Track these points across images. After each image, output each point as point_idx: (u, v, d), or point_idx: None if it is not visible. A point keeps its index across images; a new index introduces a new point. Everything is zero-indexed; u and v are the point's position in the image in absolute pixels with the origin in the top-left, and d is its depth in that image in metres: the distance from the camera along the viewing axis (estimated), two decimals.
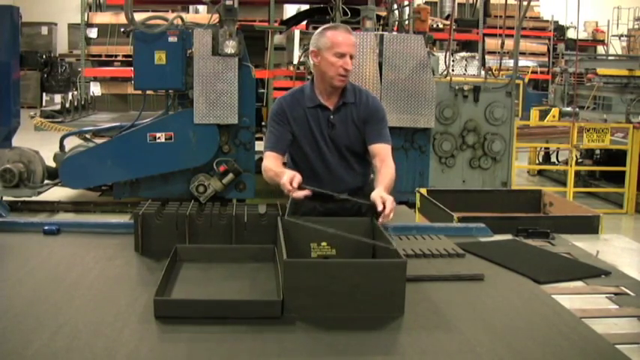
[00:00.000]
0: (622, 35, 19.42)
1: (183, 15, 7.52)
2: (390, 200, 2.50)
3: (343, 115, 2.98)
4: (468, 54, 13.10)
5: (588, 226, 3.24)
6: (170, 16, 6.69)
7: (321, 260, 2.35)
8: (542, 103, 13.58)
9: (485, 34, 13.67)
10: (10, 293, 2.14)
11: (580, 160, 9.03)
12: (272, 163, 2.90)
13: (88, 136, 7.20)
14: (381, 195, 2.54)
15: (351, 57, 2.88)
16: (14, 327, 1.86)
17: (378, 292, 1.99)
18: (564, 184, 8.58)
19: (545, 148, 10.12)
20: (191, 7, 15.41)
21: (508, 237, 2.94)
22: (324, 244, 2.48)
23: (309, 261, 2.29)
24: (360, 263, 2.12)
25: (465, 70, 11.67)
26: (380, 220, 2.48)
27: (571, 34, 19.46)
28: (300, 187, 2.58)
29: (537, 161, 10.34)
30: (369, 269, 2.02)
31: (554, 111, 11.18)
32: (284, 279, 1.99)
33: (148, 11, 10.56)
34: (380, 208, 2.48)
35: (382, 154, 2.92)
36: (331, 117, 2.97)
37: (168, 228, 2.54)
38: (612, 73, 11.65)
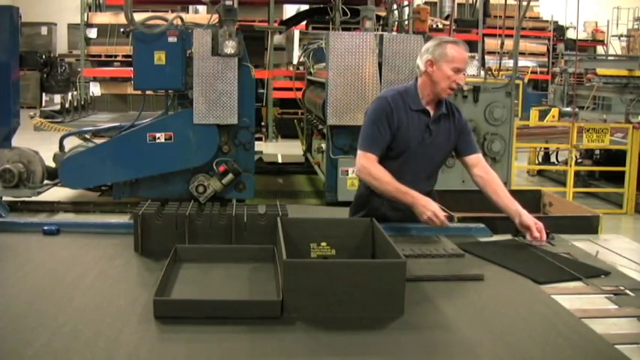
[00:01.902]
0: (622, 35, 19.45)
1: (183, 15, 7.53)
2: (542, 226, 2.81)
3: (440, 124, 3.07)
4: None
5: (588, 226, 3.24)
6: (170, 16, 6.69)
7: (320, 260, 2.35)
8: (541, 103, 13.60)
9: (484, 35, 13.69)
10: (10, 293, 2.14)
11: (580, 161, 9.03)
12: (384, 172, 2.94)
13: (87, 136, 7.20)
14: (535, 222, 2.82)
15: (464, 72, 3.02)
16: (14, 327, 1.85)
17: (378, 293, 1.99)
18: (564, 184, 8.58)
19: (545, 149, 10.12)
20: (191, 7, 15.45)
21: (508, 237, 2.94)
22: (323, 244, 2.48)
23: (309, 261, 2.29)
24: (359, 263, 2.12)
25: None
26: (534, 242, 2.79)
27: (571, 34, 19.50)
28: None
29: (537, 161, 10.34)
30: (369, 269, 2.02)
31: (554, 111, 11.19)
32: (283, 279, 1.99)
33: (147, 11, 10.59)
34: (536, 235, 2.78)
35: (482, 163, 3.13)
36: (430, 124, 3.04)
37: (167, 228, 2.54)
38: (612, 73, 11.67)
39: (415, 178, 3.05)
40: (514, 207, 2.92)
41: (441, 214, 2.79)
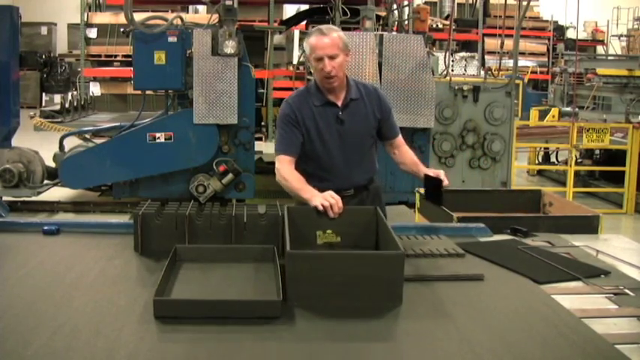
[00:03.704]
0: (621, 35, 19.44)
1: (183, 15, 7.53)
2: (441, 172, 2.91)
3: (352, 111, 3.01)
4: (468, 54, 13.10)
5: (588, 226, 3.24)
6: (170, 16, 6.69)
7: (321, 252, 2.40)
8: (541, 103, 13.58)
9: (484, 34, 13.68)
10: (10, 293, 2.14)
11: (580, 160, 9.03)
12: (291, 173, 2.90)
13: (87, 136, 7.20)
14: (434, 171, 2.93)
15: (332, 57, 2.86)
16: (14, 327, 1.86)
17: (377, 283, 2.05)
18: (564, 184, 8.58)
19: (545, 148, 10.12)
20: (191, 7, 15.41)
21: (508, 237, 2.94)
22: (329, 231, 2.56)
23: (311, 253, 2.31)
24: (359, 255, 2.19)
25: (465, 70, 11.67)
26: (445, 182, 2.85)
27: (570, 34, 19.47)
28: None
29: (537, 161, 10.34)
30: (369, 261, 2.09)
31: (554, 111, 11.17)
32: (287, 269, 2.05)
33: (147, 11, 10.56)
34: (445, 180, 2.85)
35: (401, 144, 3.17)
36: (340, 113, 3.00)
37: (168, 228, 2.54)
38: (612, 73, 11.65)
39: (346, 170, 3.03)
40: (421, 166, 3.06)
41: (333, 201, 2.57)
